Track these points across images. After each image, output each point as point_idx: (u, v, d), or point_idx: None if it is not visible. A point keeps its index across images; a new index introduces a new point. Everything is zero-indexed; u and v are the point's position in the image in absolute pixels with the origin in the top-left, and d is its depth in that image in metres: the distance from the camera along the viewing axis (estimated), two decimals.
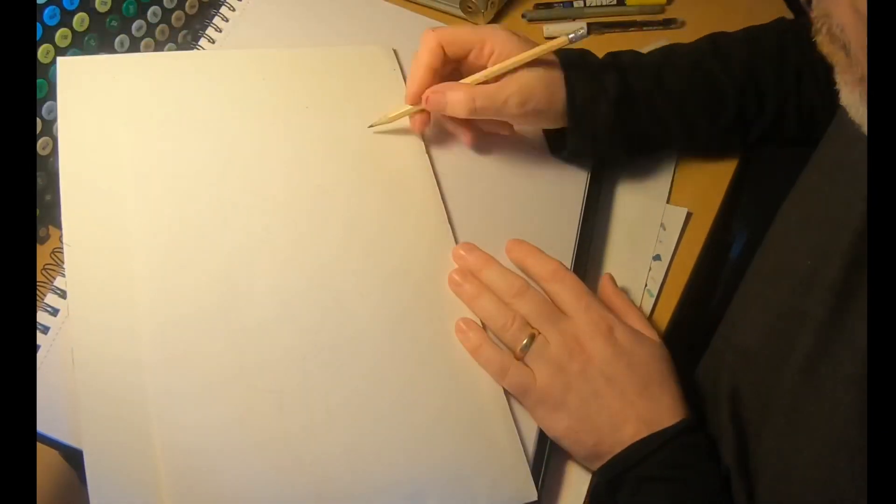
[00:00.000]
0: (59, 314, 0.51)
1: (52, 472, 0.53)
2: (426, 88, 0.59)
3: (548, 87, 0.59)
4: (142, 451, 0.47)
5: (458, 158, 0.63)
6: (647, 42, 0.80)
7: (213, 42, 0.64)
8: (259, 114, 0.60)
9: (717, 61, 0.64)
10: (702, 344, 0.60)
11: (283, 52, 0.64)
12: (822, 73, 0.63)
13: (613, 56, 0.64)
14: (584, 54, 0.62)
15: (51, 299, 0.52)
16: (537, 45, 0.60)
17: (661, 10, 0.84)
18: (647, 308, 0.62)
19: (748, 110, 0.65)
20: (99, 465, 0.46)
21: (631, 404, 0.51)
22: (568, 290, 0.55)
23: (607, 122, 0.61)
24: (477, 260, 0.57)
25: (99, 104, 0.57)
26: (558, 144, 0.64)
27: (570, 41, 0.58)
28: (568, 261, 0.60)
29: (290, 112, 0.61)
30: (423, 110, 0.61)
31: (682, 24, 0.83)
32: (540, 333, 0.53)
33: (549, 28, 0.80)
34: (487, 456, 0.52)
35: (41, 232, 0.60)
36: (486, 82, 0.59)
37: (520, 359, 0.53)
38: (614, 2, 0.83)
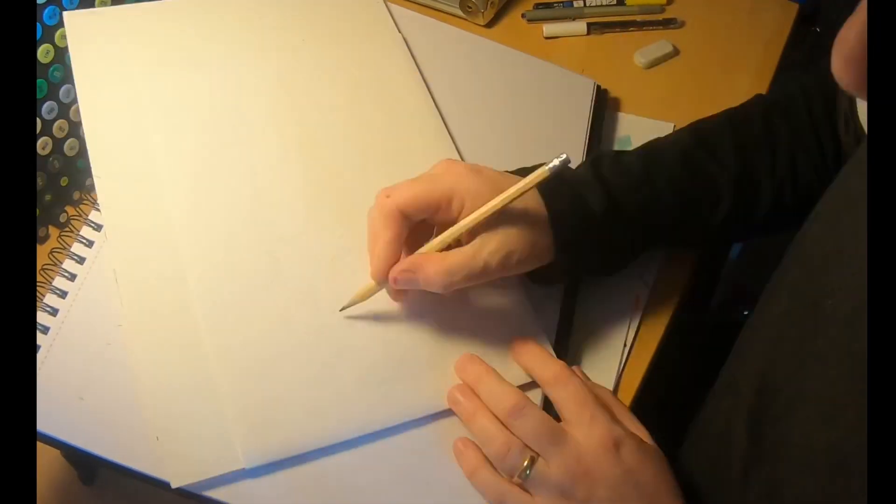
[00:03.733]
0: (59, 314, 0.51)
1: (53, 472, 0.54)
2: (392, 263, 0.52)
3: (530, 232, 0.53)
4: (192, 357, 0.51)
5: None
6: (647, 42, 0.80)
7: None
8: (260, 48, 0.66)
9: (705, 154, 0.59)
10: (700, 345, 0.60)
11: None
12: (815, 147, 0.61)
13: (594, 167, 0.57)
14: (560, 175, 0.52)
15: (50, 299, 0.52)
16: (508, 180, 0.53)
17: (661, 10, 0.84)
18: (644, 298, 0.62)
19: (744, 202, 0.60)
20: (153, 379, 0.50)
21: None
22: (571, 398, 0.51)
23: (595, 249, 0.56)
24: (475, 371, 0.53)
25: (109, 49, 0.61)
26: (536, 276, 0.57)
27: (551, 172, 0.50)
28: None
29: (289, 46, 0.66)
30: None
31: (682, 24, 0.83)
32: (540, 456, 0.49)
33: (548, 28, 0.80)
34: None
35: (41, 232, 0.60)
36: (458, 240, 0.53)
37: (519, 485, 0.49)
38: (614, 1, 0.83)
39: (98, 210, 0.55)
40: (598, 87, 0.72)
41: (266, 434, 0.49)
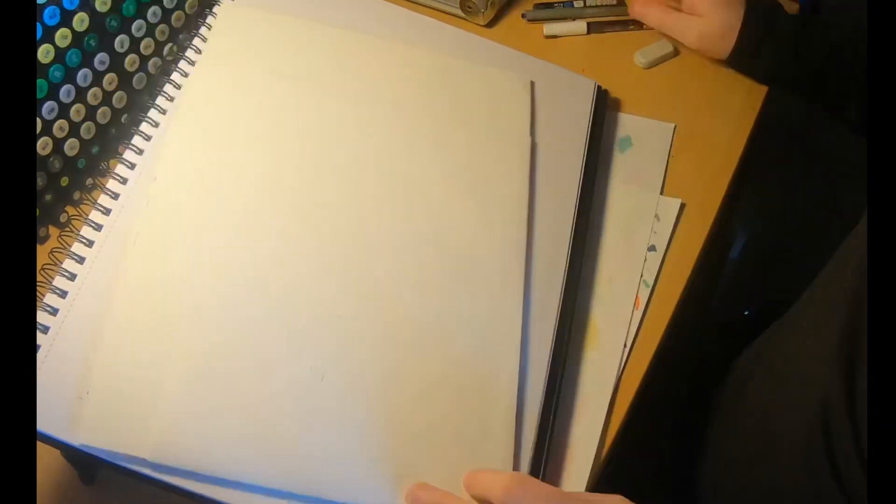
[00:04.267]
0: (59, 314, 0.51)
1: (53, 472, 0.54)
2: None
3: (729, 30, 0.70)
4: (160, 339, 0.51)
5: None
6: (648, 42, 0.80)
7: (206, 40, 0.64)
8: (384, 98, 0.65)
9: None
10: (701, 345, 0.60)
11: (427, 51, 0.68)
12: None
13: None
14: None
15: (50, 299, 0.52)
16: None
17: None
18: (644, 298, 0.62)
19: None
20: (115, 340, 0.51)
21: None
22: (534, 499, 0.48)
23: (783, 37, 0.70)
24: (431, 499, 0.51)
25: (245, 46, 0.64)
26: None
27: None
28: (564, 252, 0.61)
29: (414, 103, 0.65)
30: None
31: None
32: None
33: (548, 27, 0.80)
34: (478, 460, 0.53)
35: (41, 232, 0.60)
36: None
37: None
38: (614, 1, 0.83)
39: (98, 210, 0.55)
40: (599, 87, 0.72)
41: (184, 440, 0.49)
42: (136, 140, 0.58)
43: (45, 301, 0.52)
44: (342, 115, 0.62)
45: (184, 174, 0.58)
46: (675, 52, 0.80)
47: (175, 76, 0.61)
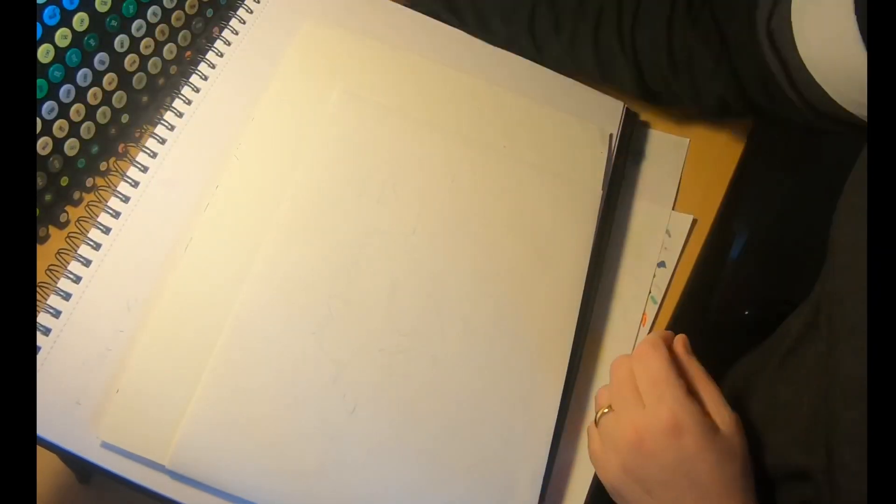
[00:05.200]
0: (62, 316, 0.51)
1: (50, 471, 0.53)
2: None
3: None
4: (196, 352, 0.51)
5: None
6: None
7: (230, 44, 0.63)
8: (459, 133, 0.63)
9: None
10: (700, 345, 0.60)
11: (508, 93, 0.66)
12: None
13: None
14: None
15: (54, 301, 0.51)
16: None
17: None
18: (651, 315, 0.62)
19: None
20: (151, 348, 0.51)
21: None
22: (646, 374, 0.51)
23: None
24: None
25: (324, 67, 0.63)
26: None
27: None
28: (583, 266, 0.60)
29: (487, 145, 0.64)
30: None
31: None
32: (612, 411, 0.51)
33: None
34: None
35: (41, 232, 0.60)
36: None
37: (596, 423, 0.52)
38: None
39: (108, 213, 0.55)
40: (627, 109, 0.71)
41: (205, 453, 0.49)
42: (151, 143, 0.58)
43: (48, 303, 0.51)
44: (414, 144, 0.61)
45: (246, 188, 0.57)
46: None
47: (194, 79, 0.61)
